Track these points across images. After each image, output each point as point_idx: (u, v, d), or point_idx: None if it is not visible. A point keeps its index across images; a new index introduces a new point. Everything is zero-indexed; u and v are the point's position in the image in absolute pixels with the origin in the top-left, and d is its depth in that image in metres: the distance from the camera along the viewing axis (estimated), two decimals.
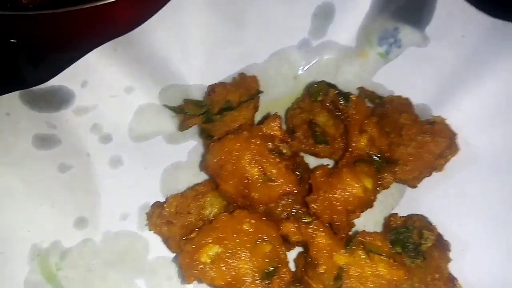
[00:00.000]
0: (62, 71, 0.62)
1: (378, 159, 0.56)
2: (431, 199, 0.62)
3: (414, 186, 0.62)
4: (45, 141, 0.59)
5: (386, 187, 0.58)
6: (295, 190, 0.52)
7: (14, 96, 0.58)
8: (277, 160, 0.51)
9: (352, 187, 0.52)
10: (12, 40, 0.65)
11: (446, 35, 0.67)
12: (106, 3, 0.59)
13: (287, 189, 0.51)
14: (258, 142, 0.52)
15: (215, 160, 0.54)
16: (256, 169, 0.51)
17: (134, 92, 0.65)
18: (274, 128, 0.54)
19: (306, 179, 0.57)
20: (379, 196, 0.62)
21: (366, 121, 0.57)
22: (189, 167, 0.66)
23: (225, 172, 0.53)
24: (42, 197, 0.56)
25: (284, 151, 0.52)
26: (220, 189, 0.55)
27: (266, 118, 0.56)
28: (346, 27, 0.70)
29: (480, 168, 0.62)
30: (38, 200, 0.56)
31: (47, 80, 0.61)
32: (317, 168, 0.56)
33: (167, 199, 0.59)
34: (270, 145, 0.52)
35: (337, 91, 0.58)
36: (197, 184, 0.59)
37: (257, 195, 0.52)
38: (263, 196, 0.52)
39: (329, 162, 0.64)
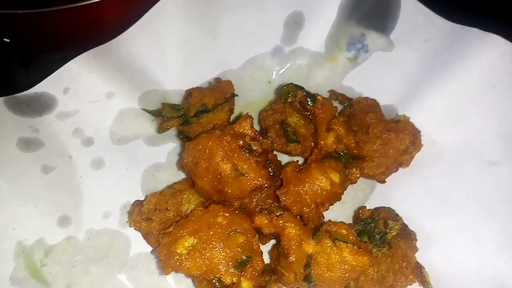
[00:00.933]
0: (46, 77, 0.65)
1: (345, 155, 0.60)
2: (399, 194, 0.66)
3: (382, 181, 0.65)
4: (29, 144, 0.61)
5: (354, 182, 0.62)
6: (266, 184, 0.55)
7: None
8: (248, 156, 0.55)
9: (320, 181, 0.55)
10: (6, 39, 0.68)
11: (410, 40, 0.72)
12: (94, 2, 0.63)
13: (258, 183, 0.55)
14: (229, 139, 0.55)
15: (190, 158, 0.57)
16: (228, 165, 0.54)
17: (114, 97, 0.68)
18: (245, 127, 0.58)
19: (279, 176, 0.60)
20: (350, 191, 0.66)
21: (333, 120, 0.61)
22: (168, 168, 0.69)
23: (199, 169, 0.56)
24: (26, 197, 0.59)
25: (255, 148, 0.56)
26: (196, 186, 0.58)
27: (239, 118, 0.60)
28: (316, 34, 0.74)
29: (444, 164, 0.66)
30: (23, 200, 0.58)
31: (32, 86, 0.64)
32: (287, 164, 0.59)
33: (146, 197, 0.62)
34: (241, 142, 0.55)
35: (304, 92, 0.61)
36: (175, 183, 0.62)
37: (230, 190, 0.55)
38: (235, 190, 0.55)
39: (301, 160, 0.67)
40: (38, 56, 0.83)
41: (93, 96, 0.67)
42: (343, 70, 0.75)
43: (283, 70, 0.76)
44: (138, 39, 0.69)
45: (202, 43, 0.73)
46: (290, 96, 0.62)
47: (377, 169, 0.63)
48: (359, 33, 0.74)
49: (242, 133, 0.57)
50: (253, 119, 0.58)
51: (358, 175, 0.61)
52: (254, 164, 0.54)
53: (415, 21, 0.72)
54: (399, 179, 0.67)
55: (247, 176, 0.54)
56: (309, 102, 0.60)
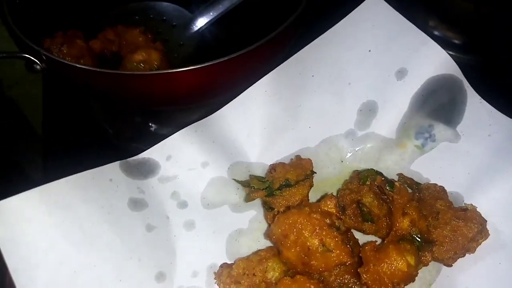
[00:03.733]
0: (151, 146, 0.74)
1: (418, 239, 0.64)
2: (464, 278, 0.68)
3: (449, 265, 0.69)
4: (137, 204, 0.69)
5: (426, 265, 0.66)
6: (349, 261, 0.60)
7: (115, 165, 0.70)
8: (335, 233, 0.60)
9: (397, 262, 0.60)
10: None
11: (475, 134, 0.77)
12: (171, 72, 0.74)
13: (343, 259, 0.59)
14: (318, 217, 0.61)
15: (280, 230, 0.63)
16: (316, 240, 0.60)
17: (208, 167, 0.76)
18: (330, 206, 0.64)
19: (356, 253, 0.65)
20: (418, 272, 0.69)
21: (408, 205, 0.66)
22: (249, 233, 0.74)
23: (288, 241, 0.62)
24: (133, 252, 0.65)
25: (340, 226, 0.61)
26: (282, 255, 0.63)
27: (323, 196, 0.66)
28: (388, 122, 0.81)
29: (509, 253, 0.69)
30: (130, 254, 0.65)
31: (139, 152, 0.74)
32: (366, 243, 0.64)
33: (235, 261, 0.67)
34: (328, 220, 0.61)
35: (383, 178, 0.67)
36: (260, 250, 0.68)
37: (316, 263, 0.60)
38: (320, 264, 0.60)
39: (374, 238, 0.72)
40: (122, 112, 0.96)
41: (191, 164, 0.75)
42: (411, 156, 0.80)
43: (355, 151, 0.83)
44: (231, 116, 0.78)
45: (284, 123, 0.82)
46: (369, 179, 0.68)
47: (446, 254, 0.67)
48: (427, 124, 0.80)
49: (327, 211, 0.63)
50: (336, 199, 0.64)
51: (429, 259, 0.65)
52: (339, 242, 0.60)
53: (479, 116, 0.78)
54: (465, 264, 0.69)
55: (333, 253, 0.59)
56: (388, 187, 0.66)
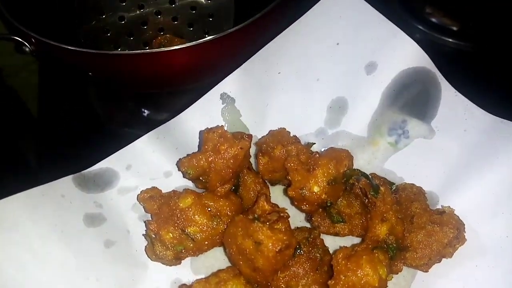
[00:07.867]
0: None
1: (393, 248, 0.58)
2: (441, 283, 0.63)
3: (425, 271, 0.63)
4: (93, 219, 0.62)
5: (395, 273, 0.60)
6: (286, 242, 0.54)
7: (68, 180, 0.63)
8: (259, 225, 0.54)
9: (370, 276, 0.53)
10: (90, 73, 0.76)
11: (450, 129, 0.71)
12: (165, 51, 0.68)
13: (278, 246, 0.53)
14: (241, 217, 0.56)
15: (228, 250, 0.58)
16: (247, 240, 0.54)
17: (171, 177, 0.69)
18: (263, 205, 0.58)
19: (325, 261, 0.60)
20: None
21: (390, 212, 0.59)
22: (216, 249, 0.66)
23: (234, 256, 0.57)
24: (90, 271, 0.59)
25: (270, 218, 0.56)
26: (242, 273, 0.58)
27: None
28: (358, 119, 0.74)
29: (486, 255, 0.63)
30: (87, 274, 0.59)
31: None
32: (338, 251, 0.57)
33: (192, 283, 0.60)
34: (250, 217, 0.56)
35: (368, 181, 0.61)
36: (220, 271, 0.61)
37: (259, 264, 0.54)
38: (264, 262, 0.54)
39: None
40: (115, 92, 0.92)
41: (153, 173, 0.68)
42: (385, 154, 0.74)
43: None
44: (194, 120, 0.71)
45: (251, 124, 0.75)
46: (353, 179, 0.62)
47: (420, 261, 0.61)
48: (400, 119, 0.74)
49: (263, 211, 0.57)
50: (267, 195, 0.60)
51: (401, 268, 0.59)
52: (267, 231, 0.53)
53: (455, 110, 0.71)
54: (441, 268, 0.64)
55: (263, 244, 0.53)
56: (372, 192, 0.59)
